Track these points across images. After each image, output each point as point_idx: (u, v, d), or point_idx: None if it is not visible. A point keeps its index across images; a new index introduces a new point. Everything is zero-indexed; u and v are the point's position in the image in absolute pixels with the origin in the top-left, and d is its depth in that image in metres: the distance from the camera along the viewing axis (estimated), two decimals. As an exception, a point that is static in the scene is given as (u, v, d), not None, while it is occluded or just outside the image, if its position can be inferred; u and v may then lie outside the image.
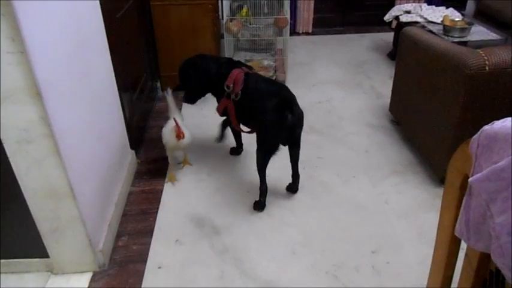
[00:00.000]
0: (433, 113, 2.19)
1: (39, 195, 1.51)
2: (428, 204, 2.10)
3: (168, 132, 2.20)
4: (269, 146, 1.98)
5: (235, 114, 2.11)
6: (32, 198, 1.52)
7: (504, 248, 0.69)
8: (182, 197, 2.18)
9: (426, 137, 2.30)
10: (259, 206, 2.07)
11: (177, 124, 2.12)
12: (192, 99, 2.34)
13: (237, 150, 2.53)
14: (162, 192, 2.22)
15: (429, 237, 1.87)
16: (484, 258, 0.85)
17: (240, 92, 2.03)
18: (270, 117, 1.90)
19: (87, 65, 1.75)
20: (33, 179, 1.47)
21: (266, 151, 1.98)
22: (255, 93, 2.00)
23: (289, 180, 2.18)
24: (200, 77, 2.21)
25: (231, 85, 2.05)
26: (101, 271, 1.75)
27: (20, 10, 1.19)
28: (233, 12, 3.37)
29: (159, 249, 1.86)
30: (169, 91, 2.38)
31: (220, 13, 3.77)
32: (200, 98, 2.36)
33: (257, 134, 2.03)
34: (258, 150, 2.01)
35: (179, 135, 2.12)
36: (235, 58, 3.52)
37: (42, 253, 1.67)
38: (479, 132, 0.73)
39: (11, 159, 1.41)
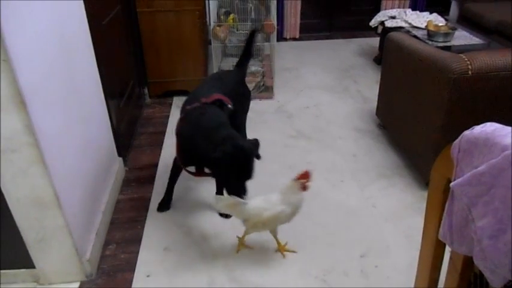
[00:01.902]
0: (418, 116, 2.21)
1: (24, 204, 1.48)
2: (415, 207, 2.12)
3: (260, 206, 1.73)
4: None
5: None
6: (17, 208, 1.49)
7: (486, 251, 0.70)
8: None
9: (412, 141, 2.33)
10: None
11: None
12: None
13: None
14: (150, 199, 2.20)
15: (416, 240, 1.88)
16: (468, 261, 0.86)
17: None
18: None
19: (73, 72, 1.74)
20: (18, 188, 1.45)
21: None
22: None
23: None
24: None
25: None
26: (88, 281, 1.73)
27: (2, 18, 1.18)
28: (220, 19, 3.37)
29: (148, 258, 1.85)
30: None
31: (207, 19, 3.78)
32: None
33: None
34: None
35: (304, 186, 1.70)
36: (223, 64, 3.54)
37: (28, 263, 1.64)
38: (460, 137, 0.75)
39: (-5, 169, 1.39)
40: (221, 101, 1.95)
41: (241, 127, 2.35)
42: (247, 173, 1.74)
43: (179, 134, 1.94)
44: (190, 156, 1.92)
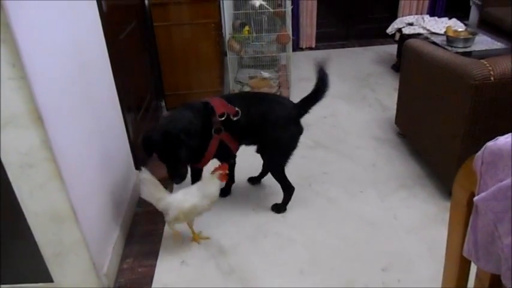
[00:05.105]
0: (439, 125, 2.15)
1: (42, 219, 1.50)
2: (438, 218, 2.06)
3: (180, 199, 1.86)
4: (287, 153, 2.04)
5: (233, 140, 2.01)
6: (35, 223, 1.51)
7: (515, 270, 0.65)
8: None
9: (433, 150, 2.26)
10: (280, 208, 2.14)
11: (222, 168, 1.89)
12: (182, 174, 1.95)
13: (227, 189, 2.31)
14: (167, 212, 2.19)
15: (440, 253, 1.81)
16: (496, 280, 0.81)
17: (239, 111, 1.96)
18: (289, 127, 1.99)
19: (89, 87, 1.76)
20: (35, 203, 1.46)
21: (284, 159, 2.05)
22: (258, 108, 1.98)
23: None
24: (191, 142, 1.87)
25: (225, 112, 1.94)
26: (105, 295, 1.73)
27: (20, 36, 1.20)
28: (235, 30, 3.39)
29: (165, 271, 1.83)
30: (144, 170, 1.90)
31: (223, 31, 3.80)
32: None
33: (269, 148, 2.04)
34: (273, 164, 2.07)
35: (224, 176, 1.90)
36: (239, 75, 3.55)
37: (46, 278, 1.65)
38: (482, 149, 0.71)
39: (13, 184, 1.41)
40: (210, 106, 1.93)
41: (270, 169, 2.15)
42: (174, 156, 1.86)
43: None
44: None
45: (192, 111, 1.94)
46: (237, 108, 1.96)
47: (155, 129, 1.90)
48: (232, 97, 2.08)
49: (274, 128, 1.97)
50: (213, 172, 1.89)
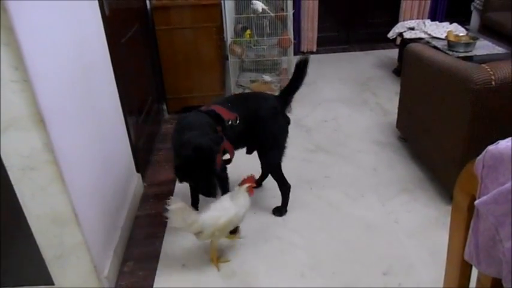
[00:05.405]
0: (440, 129, 2.16)
1: (43, 221, 1.50)
2: (440, 222, 2.05)
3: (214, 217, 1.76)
4: (281, 146, 2.04)
5: (230, 145, 1.98)
6: (37, 225, 1.51)
7: (516, 273, 0.65)
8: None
9: (434, 154, 2.26)
10: (282, 210, 2.14)
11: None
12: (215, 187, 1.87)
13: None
14: (168, 215, 2.19)
15: (442, 257, 1.80)
16: (498, 284, 0.81)
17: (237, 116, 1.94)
18: (278, 118, 2.01)
19: (91, 91, 1.77)
20: (37, 205, 1.46)
21: (279, 154, 2.04)
22: (248, 108, 1.99)
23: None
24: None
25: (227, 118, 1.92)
26: (106, 298, 1.73)
27: (23, 39, 1.21)
28: (237, 34, 3.40)
29: (165, 275, 1.83)
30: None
31: (224, 35, 3.81)
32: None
33: (265, 145, 2.03)
34: (271, 159, 2.06)
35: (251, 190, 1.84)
36: (240, 79, 3.56)
37: (47, 280, 1.65)
38: (483, 153, 0.71)
39: (15, 186, 1.41)
40: (214, 112, 1.91)
41: (268, 166, 2.15)
42: (211, 170, 1.78)
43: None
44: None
45: (204, 120, 1.88)
46: (235, 113, 1.95)
47: (183, 148, 1.74)
48: (222, 103, 2.02)
49: (267, 122, 2.00)
50: (241, 184, 1.83)
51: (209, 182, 1.80)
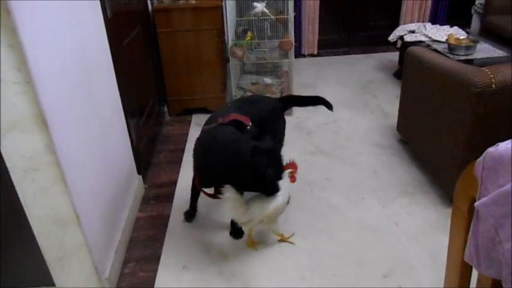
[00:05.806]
0: (440, 132, 2.16)
1: (45, 222, 1.50)
2: (440, 225, 2.05)
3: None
4: (282, 141, 2.16)
5: None
6: (38, 226, 1.51)
7: (515, 275, 0.66)
8: (189, 222, 2.16)
9: (435, 156, 2.27)
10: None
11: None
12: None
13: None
14: (169, 217, 2.20)
15: (442, 260, 1.81)
16: (498, 285, 0.81)
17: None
18: (282, 117, 2.20)
19: (93, 92, 1.77)
20: (39, 206, 1.47)
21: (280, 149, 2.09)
22: (256, 110, 2.06)
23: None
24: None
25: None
26: (107, 299, 1.73)
27: (26, 41, 1.22)
28: (238, 36, 3.41)
29: (166, 276, 1.84)
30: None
31: (225, 37, 3.82)
32: None
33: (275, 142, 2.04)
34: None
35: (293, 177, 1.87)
36: (241, 81, 3.57)
37: (48, 281, 1.65)
38: (483, 155, 0.71)
39: (17, 188, 1.42)
40: (238, 121, 1.93)
41: None
42: (280, 170, 1.84)
43: (196, 155, 1.97)
44: (208, 177, 1.92)
45: (232, 130, 1.89)
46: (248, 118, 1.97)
47: (250, 156, 1.75)
48: (233, 109, 2.02)
49: (275, 122, 2.11)
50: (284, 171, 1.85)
51: (279, 177, 1.83)
